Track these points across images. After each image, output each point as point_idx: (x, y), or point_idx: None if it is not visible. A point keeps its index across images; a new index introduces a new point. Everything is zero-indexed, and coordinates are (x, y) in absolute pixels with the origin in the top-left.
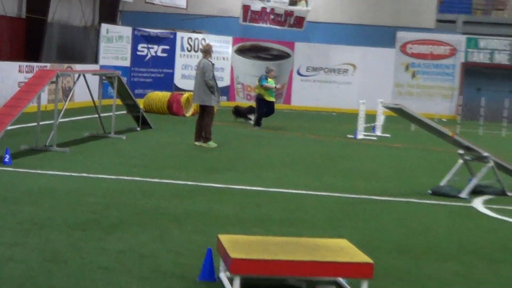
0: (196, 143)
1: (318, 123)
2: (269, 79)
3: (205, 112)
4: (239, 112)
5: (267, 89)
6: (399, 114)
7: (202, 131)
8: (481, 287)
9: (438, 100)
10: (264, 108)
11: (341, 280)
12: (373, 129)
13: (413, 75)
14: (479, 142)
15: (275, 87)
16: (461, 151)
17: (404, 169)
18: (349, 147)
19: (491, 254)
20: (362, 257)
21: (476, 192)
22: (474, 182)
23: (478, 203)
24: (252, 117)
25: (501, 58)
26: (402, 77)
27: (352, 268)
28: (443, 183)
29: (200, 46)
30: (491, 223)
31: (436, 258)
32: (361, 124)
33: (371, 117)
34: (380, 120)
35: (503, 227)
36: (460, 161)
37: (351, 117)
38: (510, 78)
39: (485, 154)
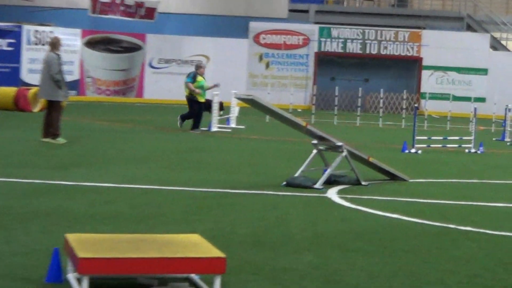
0: (44, 139)
1: (171, 116)
2: (198, 78)
3: (52, 107)
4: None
5: (200, 89)
6: (252, 105)
7: (50, 127)
8: (336, 277)
9: (292, 90)
10: (198, 109)
11: (193, 276)
12: (227, 121)
13: (267, 66)
14: (334, 131)
15: (198, 91)
16: (315, 141)
17: (259, 161)
18: (203, 140)
19: (346, 244)
20: (214, 252)
21: (331, 182)
22: (328, 172)
23: (332, 193)
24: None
25: (353, 47)
26: (256, 68)
27: (204, 264)
28: (297, 174)
29: (47, 39)
30: (346, 212)
31: (291, 250)
32: (215, 116)
33: (225, 109)
34: (234, 112)
35: (357, 217)
36: (314, 151)
37: None
38: (363, 67)
39: (339, 143)
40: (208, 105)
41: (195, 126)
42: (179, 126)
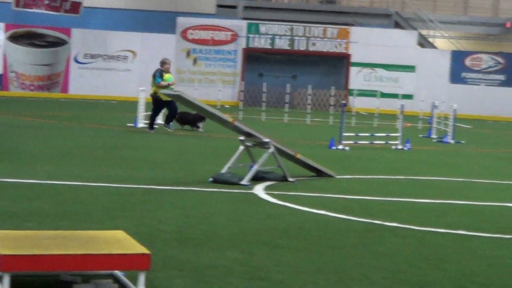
0: None
1: (97, 112)
2: (165, 75)
3: None
4: (185, 120)
5: (163, 87)
6: (179, 101)
7: None
8: (261, 273)
9: (220, 86)
10: (160, 108)
11: (118, 273)
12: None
13: (195, 61)
14: (261, 128)
15: (171, 83)
16: (242, 138)
17: (186, 157)
18: (129, 136)
19: (271, 240)
20: (138, 248)
21: (258, 178)
22: (255, 168)
23: (259, 190)
24: (201, 124)
25: (282, 43)
26: (183, 64)
27: (128, 260)
28: (224, 170)
29: None
30: (272, 209)
31: (217, 246)
32: (141, 112)
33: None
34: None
35: (283, 213)
36: (241, 147)
37: (131, 105)
38: (291, 63)
39: (266, 140)
40: (194, 119)
41: (151, 126)
42: (171, 130)
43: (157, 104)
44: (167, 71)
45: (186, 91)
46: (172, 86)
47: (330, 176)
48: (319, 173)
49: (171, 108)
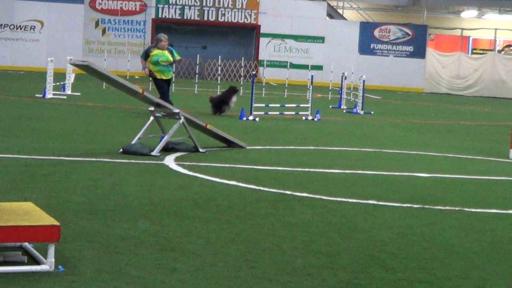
0: None
1: (4, 82)
2: (154, 51)
3: None
4: (219, 102)
5: (155, 64)
6: (87, 71)
7: None
8: (172, 244)
9: (129, 57)
10: (162, 87)
11: (27, 245)
12: (62, 87)
13: (104, 32)
14: (171, 98)
15: (160, 60)
16: (151, 108)
17: (95, 128)
18: (38, 106)
19: (182, 211)
20: (47, 220)
21: (168, 149)
22: (165, 139)
23: (170, 160)
24: (234, 98)
25: (191, 14)
26: (92, 34)
27: (37, 232)
28: (134, 141)
29: None
30: (183, 180)
31: (127, 217)
32: (49, 82)
33: (61, 76)
34: (70, 79)
35: (194, 184)
36: (151, 118)
37: (40, 75)
38: (201, 34)
39: (176, 110)
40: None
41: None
42: None
43: (156, 83)
44: (162, 48)
45: (95, 62)
46: (164, 63)
47: (241, 147)
48: (230, 144)
49: (160, 88)
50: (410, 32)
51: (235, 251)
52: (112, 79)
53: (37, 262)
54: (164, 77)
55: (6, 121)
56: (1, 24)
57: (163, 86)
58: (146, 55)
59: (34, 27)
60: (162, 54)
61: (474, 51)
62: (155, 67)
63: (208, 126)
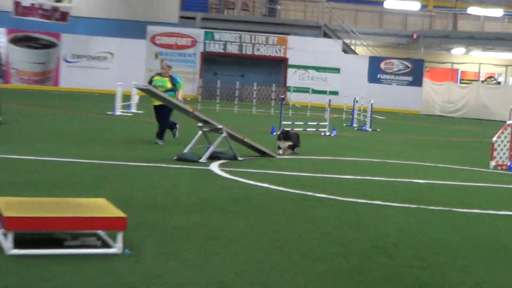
0: None
1: (82, 103)
2: (156, 77)
3: None
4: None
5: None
6: (148, 94)
7: None
8: (216, 233)
9: (182, 83)
10: (157, 116)
11: (100, 232)
12: (129, 106)
13: (161, 62)
14: (216, 117)
15: (161, 86)
16: (200, 124)
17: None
18: (108, 122)
19: (225, 208)
20: (116, 213)
21: (213, 157)
22: (211, 149)
23: (215, 166)
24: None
25: (232, 48)
26: (152, 64)
27: (108, 222)
28: (186, 150)
29: None
30: (225, 182)
31: (180, 212)
32: (118, 102)
33: (127, 97)
34: (134, 99)
35: (234, 185)
36: (200, 132)
37: (110, 97)
38: (240, 65)
39: (220, 126)
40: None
41: (158, 135)
42: (175, 137)
43: (156, 111)
44: (164, 75)
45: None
46: (160, 89)
47: (271, 156)
48: (262, 153)
49: (156, 116)
50: (409, 65)
51: (266, 240)
52: (168, 100)
53: (108, 246)
54: (155, 103)
55: (84, 133)
56: (80, 55)
57: (156, 113)
58: (149, 81)
59: (106, 57)
60: (161, 80)
61: (462, 81)
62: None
63: (246, 139)
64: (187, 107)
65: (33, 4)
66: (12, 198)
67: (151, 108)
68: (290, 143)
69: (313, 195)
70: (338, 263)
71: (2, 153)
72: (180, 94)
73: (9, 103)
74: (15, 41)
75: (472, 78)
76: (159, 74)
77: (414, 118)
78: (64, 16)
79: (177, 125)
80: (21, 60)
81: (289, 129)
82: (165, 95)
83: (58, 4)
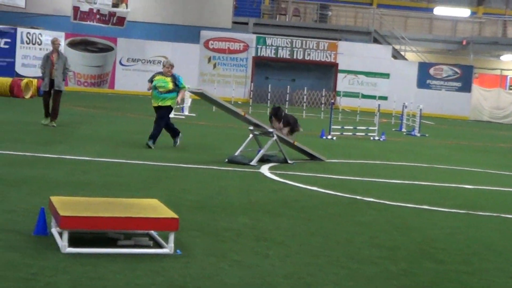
0: (53, 123)
1: (136, 105)
2: (158, 76)
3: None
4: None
5: (153, 89)
6: (201, 97)
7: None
8: (265, 235)
9: (234, 86)
10: (160, 117)
11: (152, 232)
12: (182, 109)
13: (214, 66)
14: (266, 120)
15: (158, 86)
16: (251, 128)
17: (206, 142)
18: None
19: (274, 210)
20: (169, 213)
21: (264, 160)
22: (261, 152)
23: (265, 169)
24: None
25: (283, 53)
26: (205, 68)
27: (160, 223)
28: (237, 153)
29: (38, 40)
30: (275, 185)
31: (230, 213)
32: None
33: None
34: (187, 102)
35: (284, 188)
36: (251, 135)
37: None
38: (291, 69)
39: (270, 130)
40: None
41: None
42: (175, 145)
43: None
44: (165, 74)
45: (207, 90)
46: (161, 89)
47: (321, 159)
48: (312, 157)
49: (158, 118)
50: (458, 71)
51: (315, 242)
52: (220, 103)
53: (160, 246)
54: (154, 103)
55: (138, 135)
56: (136, 59)
57: (156, 112)
58: (151, 80)
59: (161, 61)
60: (163, 80)
61: (510, 87)
62: (152, 91)
63: (295, 143)
64: (239, 111)
65: (91, 9)
66: (67, 197)
67: (204, 111)
68: (287, 127)
69: (361, 199)
70: (386, 267)
71: (58, 153)
72: (182, 95)
73: (67, 105)
74: (73, 44)
75: None
76: (161, 73)
77: (463, 124)
78: (121, 21)
79: (180, 134)
80: (79, 63)
81: (279, 106)
82: (219, 99)
83: (115, 9)
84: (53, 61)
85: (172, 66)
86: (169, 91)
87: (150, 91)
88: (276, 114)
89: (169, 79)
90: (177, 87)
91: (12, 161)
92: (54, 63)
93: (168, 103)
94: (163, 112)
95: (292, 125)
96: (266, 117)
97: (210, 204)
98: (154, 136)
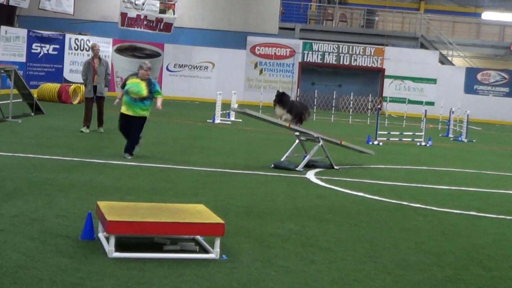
0: (101, 129)
1: (183, 110)
2: (132, 79)
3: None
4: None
5: (125, 93)
6: (245, 115)
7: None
8: (311, 241)
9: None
10: (136, 129)
11: (199, 237)
12: (228, 115)
13: (261, 72)
14: (312, 126)
15: (130, 90)
16: (297, 133)
17: (252, 148)
18: (208, 129)
19: (320, 215)
20: (215, 219)
21: (310, 166)
22: (307, 157)
23: (311, 175)
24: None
25: (330, 59)
26: (252, 73)
27: (207, 228)
28: (283, 158)
29: (86, 46)
30: (321, 190)
31: (276, 219)
32: (218, 111)
33: (226, 106)
34: (234, 107)
35: (330, 194)
36: (297, 141)
37: (210, 105)
38: (337, 75)
39: (316, 135)
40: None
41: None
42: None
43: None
44: (142, 78)
45: (253, 96)
46: (133, 95)
47: (369, 154)
48: (361, 152)
49: (134, 130)
50: (506, 76)
51: (361, 248)
52: (264, 119)
53: (206, 251)
54: (124, 111)
55: (185, 140)
56: (182, 64)
57: (126, 121)
58: (123, 84)
59: (207, 67)
60: (137, 85)
61: None
62: (124, 97)
63: (343, 142)
64: (283, 123)
65: (139, 16)
66: (114, 202)
67: (249, 117)
68: (291, 115)
69: (408, 205)
70: (432, 273)
71: (105, 159)
72: (160, 102)
73: (113, 111)
74: (121, 50)
75: None
76: (135, 75)
77: (511, 130)
78: (168, 27)
79: (141, 140)
80: (126, 69)
81: (282, 92)
82: (262, 115)
83: (162, 15)
84: (95, 67)
85: (150, 69)
86: (143, 99)
87: (117, 100)
88: (281, 100)
89: (144, 84)
90: (151, 94)
91: (61, 166)
92: (96, 70)
93: (142, 113)
94: (138, 126)
95: (299, 113)
96: (312, 122)
97: (256, 210)
98: (131, 147)
